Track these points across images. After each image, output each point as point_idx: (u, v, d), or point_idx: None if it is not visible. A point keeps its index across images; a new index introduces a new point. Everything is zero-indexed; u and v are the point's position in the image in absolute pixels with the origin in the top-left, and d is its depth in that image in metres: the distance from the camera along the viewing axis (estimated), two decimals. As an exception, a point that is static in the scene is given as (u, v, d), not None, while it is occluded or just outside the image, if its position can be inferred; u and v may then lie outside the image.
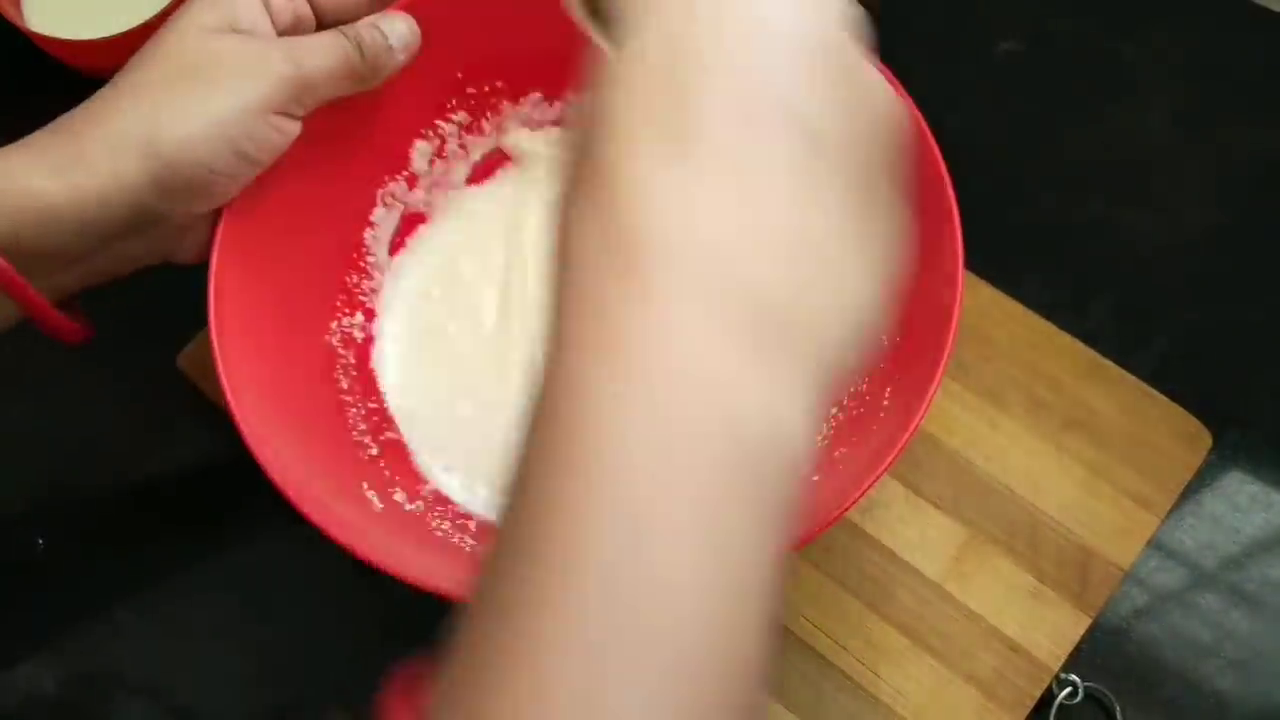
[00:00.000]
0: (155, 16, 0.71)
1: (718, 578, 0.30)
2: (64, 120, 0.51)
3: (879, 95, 0.35)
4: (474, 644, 0.31)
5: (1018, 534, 0.64)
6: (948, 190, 0.55)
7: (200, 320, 0.59)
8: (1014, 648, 0.61)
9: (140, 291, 0.70)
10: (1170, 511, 0.65)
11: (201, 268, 0.57)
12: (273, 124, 0.52)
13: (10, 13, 0.72)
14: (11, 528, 0.68)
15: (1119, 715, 0.61)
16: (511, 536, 0.31)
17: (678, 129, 0.32)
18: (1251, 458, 0.67)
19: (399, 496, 0.60)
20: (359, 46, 0.54)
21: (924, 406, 0.51)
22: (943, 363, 0.52)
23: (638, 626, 0.29)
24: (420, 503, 0.61)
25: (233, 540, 0.68)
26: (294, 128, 0.53)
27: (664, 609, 0.29)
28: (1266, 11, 0.78)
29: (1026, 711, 0.60)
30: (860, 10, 0.35)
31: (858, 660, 0.61)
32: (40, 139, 0.50)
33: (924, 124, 0.56)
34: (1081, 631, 0.62)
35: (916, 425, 0.51)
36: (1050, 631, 0.62)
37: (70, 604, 0.66)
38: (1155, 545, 0.64)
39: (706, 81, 0.32)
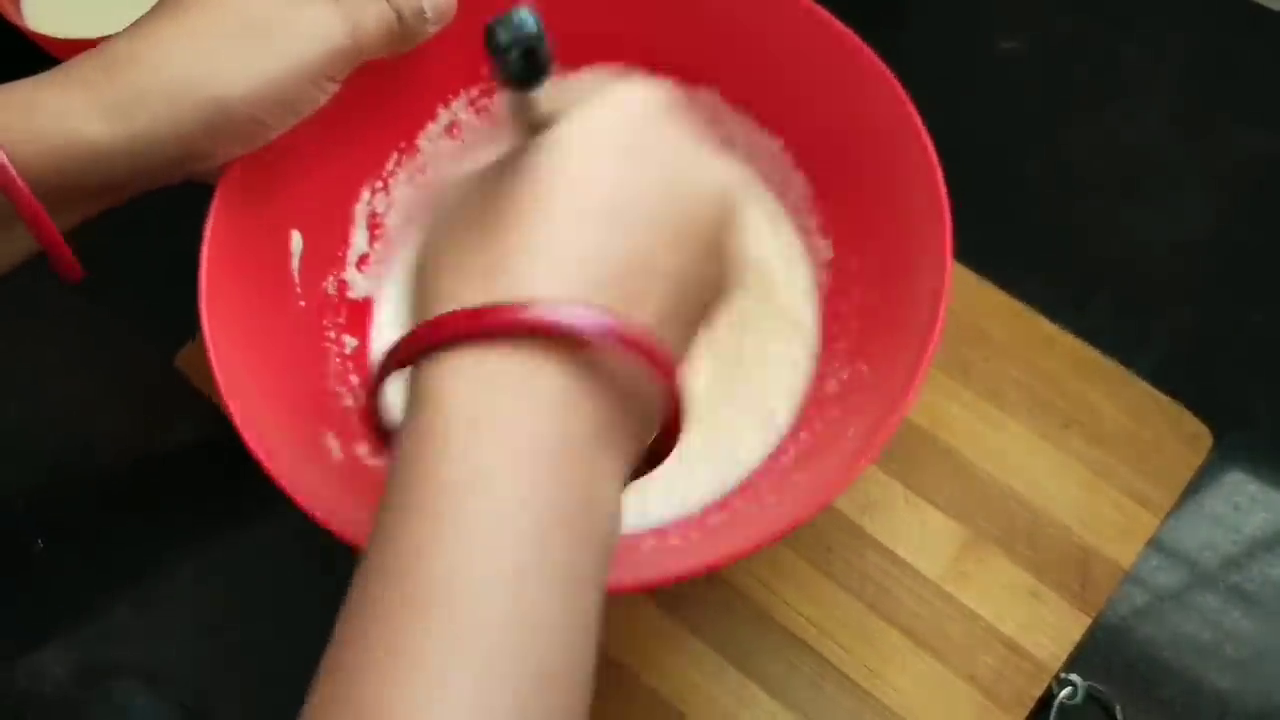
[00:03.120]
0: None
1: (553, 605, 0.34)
2: (109, 55, 0.50)
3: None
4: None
5: (1018, 534, 0.64)
6: (939, 187, 0.55)
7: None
8: (1014, 648, 0.61)
9: (140, 291, 0.70)
10: (1170, 511, 0.65)
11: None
12: (323, 87, 0.53)
13: (10, 13, 0.72)
14: (12, 528, 0.68)
15: (1119, 715, 0.61)
16: (376, 572, 0.34)
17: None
18: (1251, 458, 0.67)
19: (362, 450, 0.60)
20: (399, 15, 0.55)
21: (909, 398, 0.51)
22: (931, 347, 0.51)
23: (479, 641, 0.33)
24: (386, 459, 0.61)
25: (233, 538, 0.68)
26: (336, 88, 0.54)
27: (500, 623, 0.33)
28: (1267, 11, 0.79)
29: (1026, 711, 0.61)
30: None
31: (858, 660, 0.62)
32: (87, 73, 0.49)
33: (918, 121, 0.56)
34: (1081, 631, 0.62)
35: (901, 416, 0.50)
36: (1050, 631, 0.62)
37: (69, 603, 0.67)
38: (1155, 545, 0.65)
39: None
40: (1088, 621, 0.62)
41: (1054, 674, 0.61)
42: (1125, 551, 0.63)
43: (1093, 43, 0.79)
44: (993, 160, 0.75)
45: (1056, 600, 0.62)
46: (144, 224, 0.66)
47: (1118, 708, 0.61)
